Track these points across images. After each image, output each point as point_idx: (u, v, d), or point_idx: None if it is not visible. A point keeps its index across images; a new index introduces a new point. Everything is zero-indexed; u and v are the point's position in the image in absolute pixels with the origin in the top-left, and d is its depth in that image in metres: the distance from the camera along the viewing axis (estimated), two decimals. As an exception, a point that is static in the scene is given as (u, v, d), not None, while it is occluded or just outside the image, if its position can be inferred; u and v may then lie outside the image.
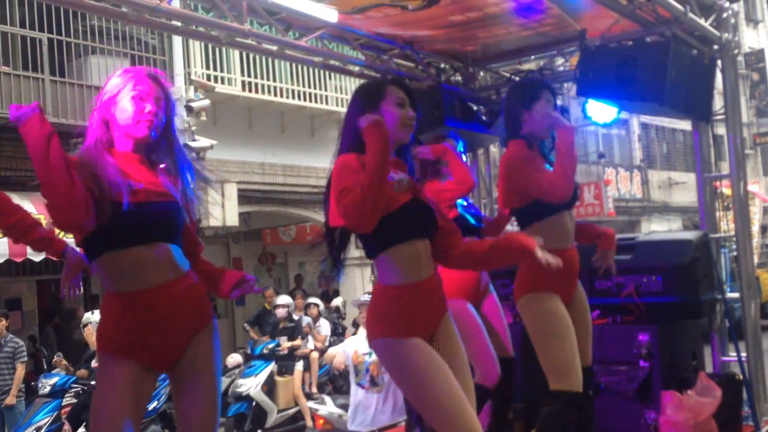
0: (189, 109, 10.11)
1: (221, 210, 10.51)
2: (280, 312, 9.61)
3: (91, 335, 7.17)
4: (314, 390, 9.33)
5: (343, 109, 12.58)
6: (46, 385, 7.31)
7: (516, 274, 3.40)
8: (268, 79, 11.63)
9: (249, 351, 9.50)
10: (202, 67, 10.83)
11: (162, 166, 2.49)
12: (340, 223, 2.57)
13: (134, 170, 2.38)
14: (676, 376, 4.10)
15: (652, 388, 4.03)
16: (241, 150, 11.40)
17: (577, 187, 3.42)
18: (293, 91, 12.02)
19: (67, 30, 9.05)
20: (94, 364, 6.57)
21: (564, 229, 3.33)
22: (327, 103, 12.40)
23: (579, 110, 5.69)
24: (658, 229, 18.18)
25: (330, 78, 12.48)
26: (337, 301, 12.28)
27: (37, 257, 8.51)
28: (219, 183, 10.75)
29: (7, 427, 7.30)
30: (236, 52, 11.03)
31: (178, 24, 4.53)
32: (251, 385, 8.72)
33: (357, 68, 5.59)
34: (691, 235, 4.35)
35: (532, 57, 6.09)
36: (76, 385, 7.45)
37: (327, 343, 9.66)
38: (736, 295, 5.23)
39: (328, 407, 7.21)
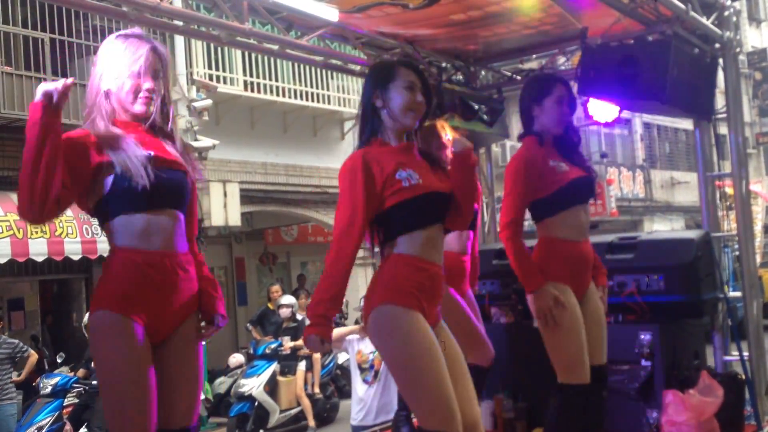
0: (191, 109, 10.13)
1: (223, 210, 10.52)
2: (284, 312, 9.61)
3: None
4: (317, 390, 9.33)
5: (346, 109, 12.63)
6: (47, 385, 7.31)
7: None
8: (270, 79, 11.63)
9: (251, 351, 9.50)
10: (204, 67, 10.84)
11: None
12: None
13: (142, 138, 2.38)
14: (677, 375, 4.09)
15: (654, 387, 4.02)
16: (244, 150, 11.41)
17: (594, 182, 3.43)
18: (295, 90, 12.03)
19: (69, 30, 9.06)
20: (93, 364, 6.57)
21: (578, 223, 3.35)
22: (329, 103, 12.40)
23: (581, 109, 5.67)
24: (660, 228, 18.16)
25: (332, 78, 12.48)
26: (339, 301, 12.26)
27: (40, 257, 8.53)
28: (221, 183, 10.77)
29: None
30: (238, 52, 11.04)
31: (180, 23, 4.53)
32: (253, 385, 8.72)
33: (358, 67, 5.59)
34: (693, 234, 4.33)
35: (534, 56, 6.08)
36: (77, 385, 7.46)
37: (329, 343, 9.65)
38: (738, 294, 5.22)
39: None
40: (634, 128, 19.82)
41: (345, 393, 9.63)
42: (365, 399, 5.30)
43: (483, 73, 6.19)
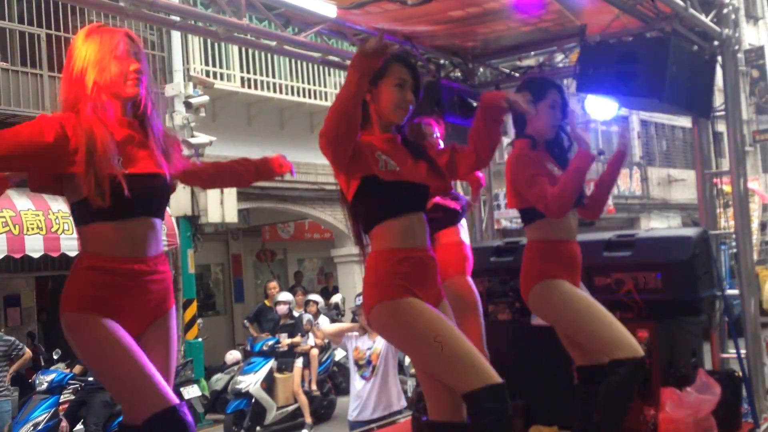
0: (188, 106, 10.10)
1: (220, 206, 10.50)
2: (282, 309, 9.61)
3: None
4: (314, 387, 9.33)
5: (343, 106, 12.59)
6: (43, 381, 7.30)
7: (519, 269, 3.41)
8: (267, 76, 11.61)
9: (248, 348, 9.50)
10: (201, 64, 10.82)
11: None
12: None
13: (127, 138, 2.38)
14: (675, 373, 4.08)
15: (651, 385, 4.01)
16: (240, 146, 11.36)
17: (584, 189, 3.42)
18: (292, 87, 12.00)
19: (65, 26, 9.04)
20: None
21: (569, 225, 3.36)
22: (326, 100, 12.38)
23: (579, 106, 5.65)
24: (657, 226, 18.18)
25: (329, 74, 12.47)
26: (336, 298, 12.27)
27: (36, 254, 8.51)
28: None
29: None
30: (235, 49, 11.02)
31: (177, 19, 4.50)
32: (250, 382, 8.72)
33: (356, 64, 5.57)
34: (690, 231, 4.32)
35: (532, 53, 6.07)
36: (73, 382, 7.45)
37: (327, 340, 9.66)
38: (735, 292, 5.22)
39: None
40: (631, 125, 19.81)
41: (342, 390, 9.64)
42: (362, 395, 5.32)
43: (481, 69, 6.18)
